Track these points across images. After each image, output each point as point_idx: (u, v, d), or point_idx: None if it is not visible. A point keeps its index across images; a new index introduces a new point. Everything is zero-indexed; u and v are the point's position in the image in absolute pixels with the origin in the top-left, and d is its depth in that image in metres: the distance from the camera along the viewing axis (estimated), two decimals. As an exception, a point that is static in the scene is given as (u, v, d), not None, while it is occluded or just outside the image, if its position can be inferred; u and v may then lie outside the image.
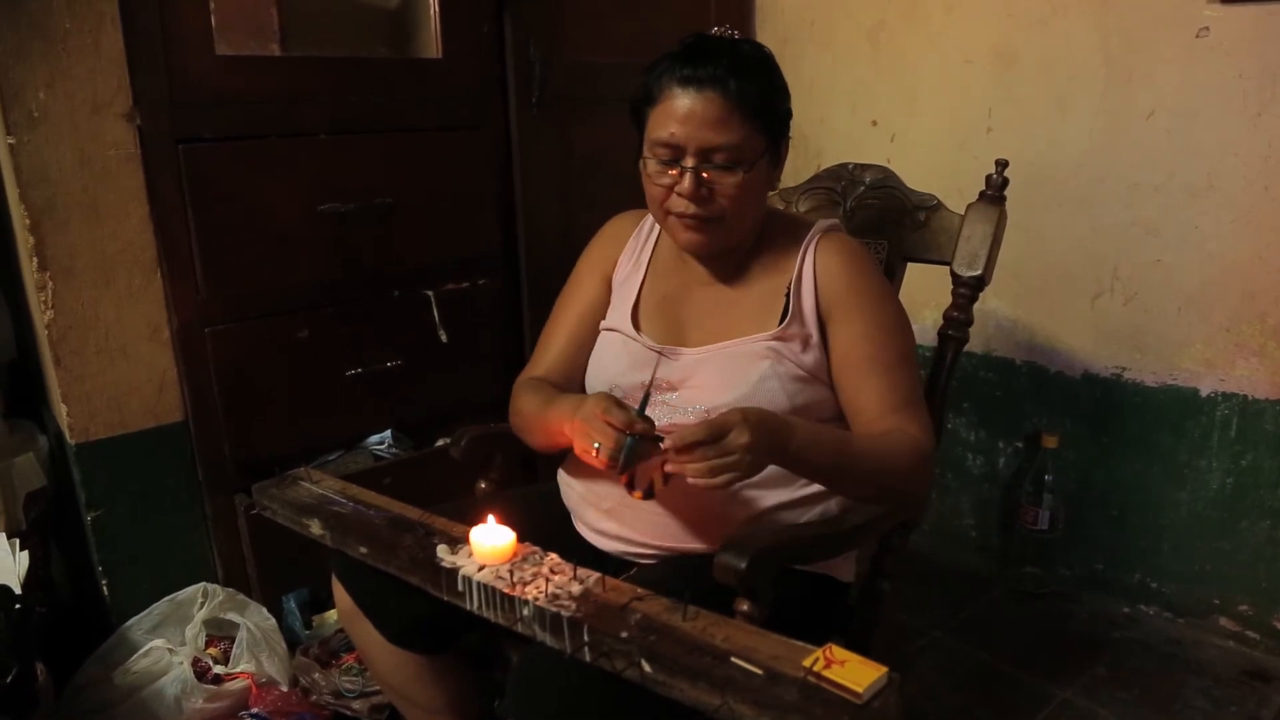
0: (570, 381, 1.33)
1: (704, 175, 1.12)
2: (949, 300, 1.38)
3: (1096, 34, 1.90)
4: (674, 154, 1.13)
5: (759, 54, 1.16)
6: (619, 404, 1.08)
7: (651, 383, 1.13)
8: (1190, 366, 1.90)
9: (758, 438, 0.99)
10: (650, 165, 1.16)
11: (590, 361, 1.31)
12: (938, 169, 1.97)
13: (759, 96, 1.12)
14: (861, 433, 1.17)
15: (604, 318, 1.33)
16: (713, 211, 1.14)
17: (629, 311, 1.28)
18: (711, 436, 0.99)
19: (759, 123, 1.13)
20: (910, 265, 1.46)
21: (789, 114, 1.20)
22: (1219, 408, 1.88)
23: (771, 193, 1.60)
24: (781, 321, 1.19)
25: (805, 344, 1.19)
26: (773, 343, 1.18)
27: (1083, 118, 1.95)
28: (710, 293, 1.26)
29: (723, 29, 1.18)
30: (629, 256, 1.33)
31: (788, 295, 1.20)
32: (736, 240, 1.21)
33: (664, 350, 1.24)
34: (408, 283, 1.90)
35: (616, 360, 1.27)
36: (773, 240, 1.25)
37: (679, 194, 1.14)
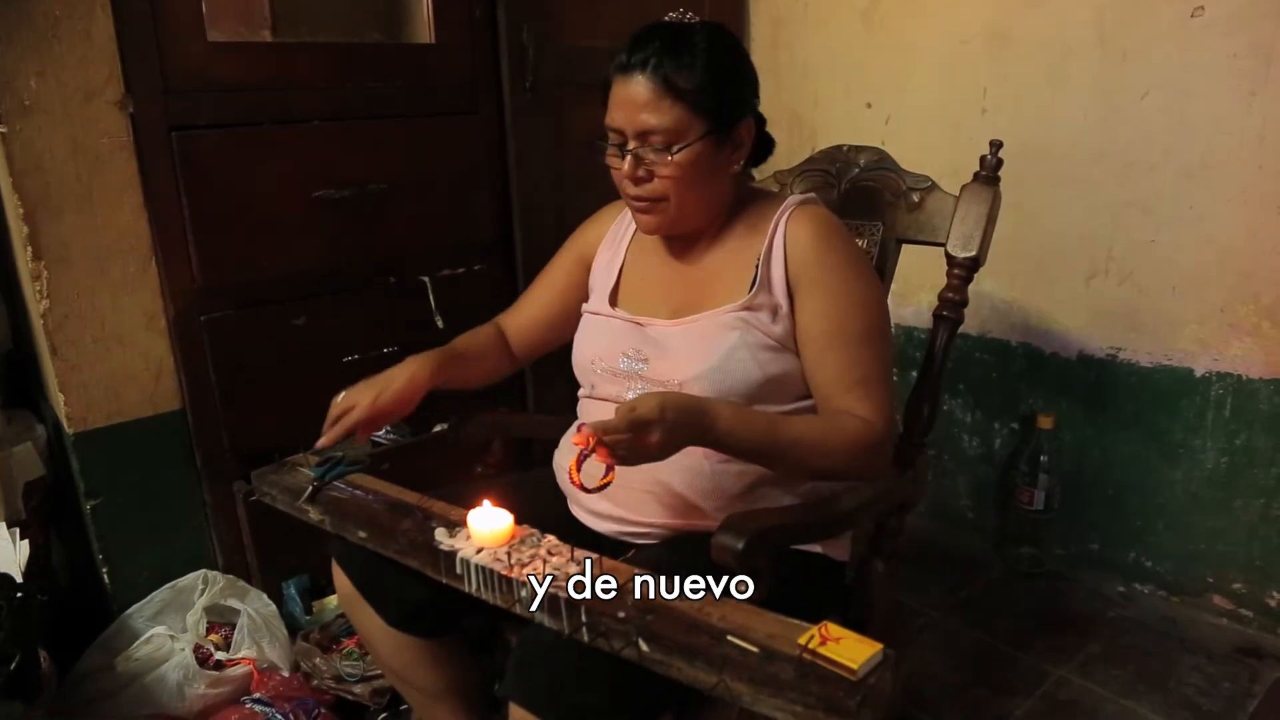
0: (525, 337, 1.44)
1: (644, 158, 1.16)
2: (944, 282, 1.38)
3: (1091, 13, 1.90)
4: (620, 139, 1.17)
5: (703, 36, 1.16)
6: None
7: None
8: (1185, 346, 1.91)
9: (670, 431, 1.01)
10: (607, 149, 1.20)
11: (574, 343, 1.35)
12: (933, 150, 1.97)
13: (693, 79, 1.13)
14: (820, 407, 1.19)
15: (571, 294, 1.40)
16: (652, 192, 1.18)
17: (607, 293, 1.32)
18: (631, 429, 1.00)
19: (693, 104, 1.13)
20: (905, 247, 1.46)
21: (741, 94, 1.20)
22: (1213, 387, 1.88)
23: (764, 177, 1.61)
24: (750, 291, 1.20)
25: (774, 314, 1.19)
26: (742, 313, 1.19)
27: (1077, 98, 1.95)
28: (684, 269, 1.28)
29: (677, 14, 1.19)
30: (609, 243, 1.38)
31: (758, 265, 1.21)
32: (693, 220, 1.23)
33: (639, 322, 1.27)
34: (404, 269, 1.90)
35: (595, 339, 1.30)
36: (747, 215, 1.26)
37: (623, 176, 1.18)
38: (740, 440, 1.08)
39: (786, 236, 1.21)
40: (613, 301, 1.32)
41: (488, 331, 1.43)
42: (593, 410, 1.28)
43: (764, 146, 1.29)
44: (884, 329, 1.21)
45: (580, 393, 1.34)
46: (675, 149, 1.14)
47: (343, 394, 1.28)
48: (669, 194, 1.17)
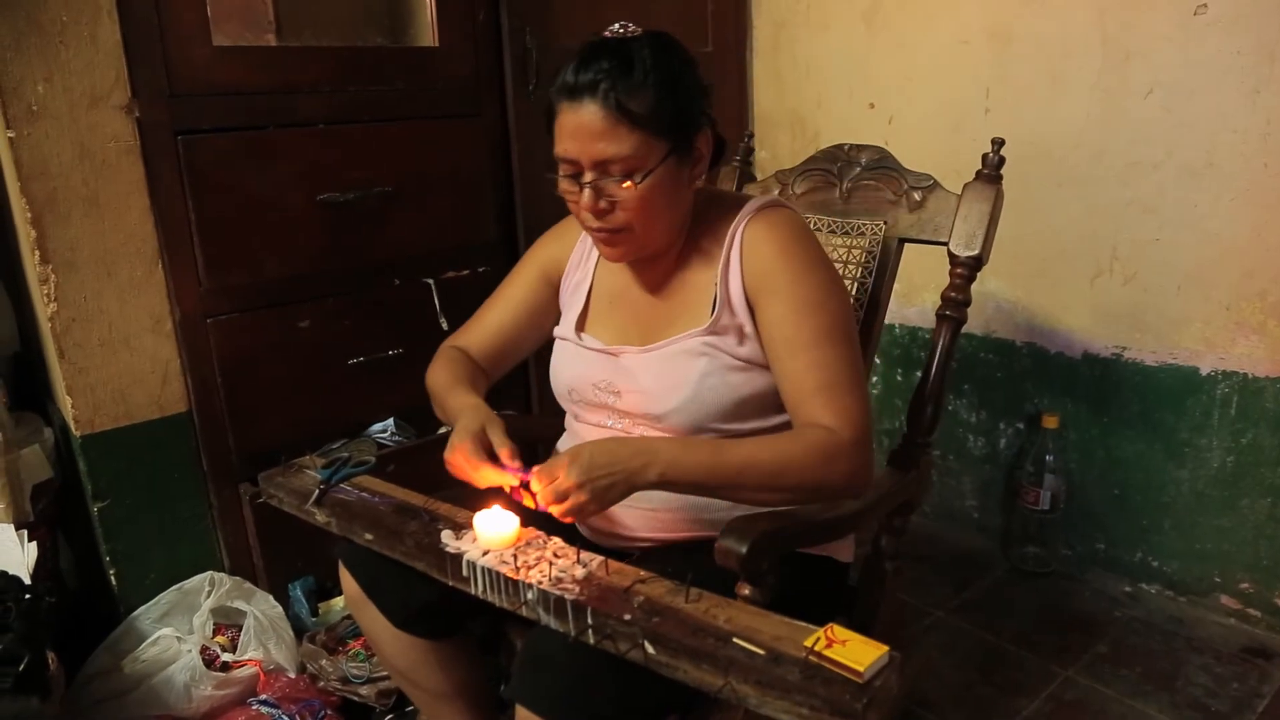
0: (489, 359, 1.36)
1: (604, 188, 1.08)
2: (948, 281, 1.38)
3: (1093, 11, 1.90)
4: (574, 169, 1.10)
5: (652, 51, 1.07)
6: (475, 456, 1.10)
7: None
8: (1190, 345, 1.90)
9: (588, 474, 1.00)
10: (561, 181, 1.13)
11: (550, 370, 1.31)
12: (935, 151, 1.97)
13: (649, 101, 1.05)
14: (791, 419, 1.12)
15: (535, 313, 1.35)
16: (617, 223, 1.11)
17: (575, 318, 1.28)
18: (548, 478, 1.02)
19: (651, 127, 1.06)
20: (910, 247, 1.46)
21: (697, 105, 1.12)
22: (1219, 386, 1.88)
23: (766, 176, 1.61)
24: (712, 314, 1.16)
25: (740, 335, 1.15)
26: (707, 338, 1.15)
27: (1080, 96, 1.95)
28: (650, 291, 1.24)
29: (620, 27, 1.11)
30: (577, 261, 1.32)
31: (716, 285, 1.17)
32: (658, 244, 1.17)
33: (611, 351, 1.23)
34: (408, 271, 1.91)
35: (567, 369, 1.27)
36: (707, 228, 1.20)
37: (582, 209, 1.11)
38: (687, 472, 1.04)
39: (743, 249, 1.16)
40: (580, 326, 1.28)
41: (463, 359, 1.33)
42: (581, 434, 1.27)
43: (717, 150, 1.20)
44: (846, 331, 1.13)
45: (567, 413, 1.33)
46: (638, 177, 1.07)
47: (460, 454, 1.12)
48: (634, 224, 1.11)
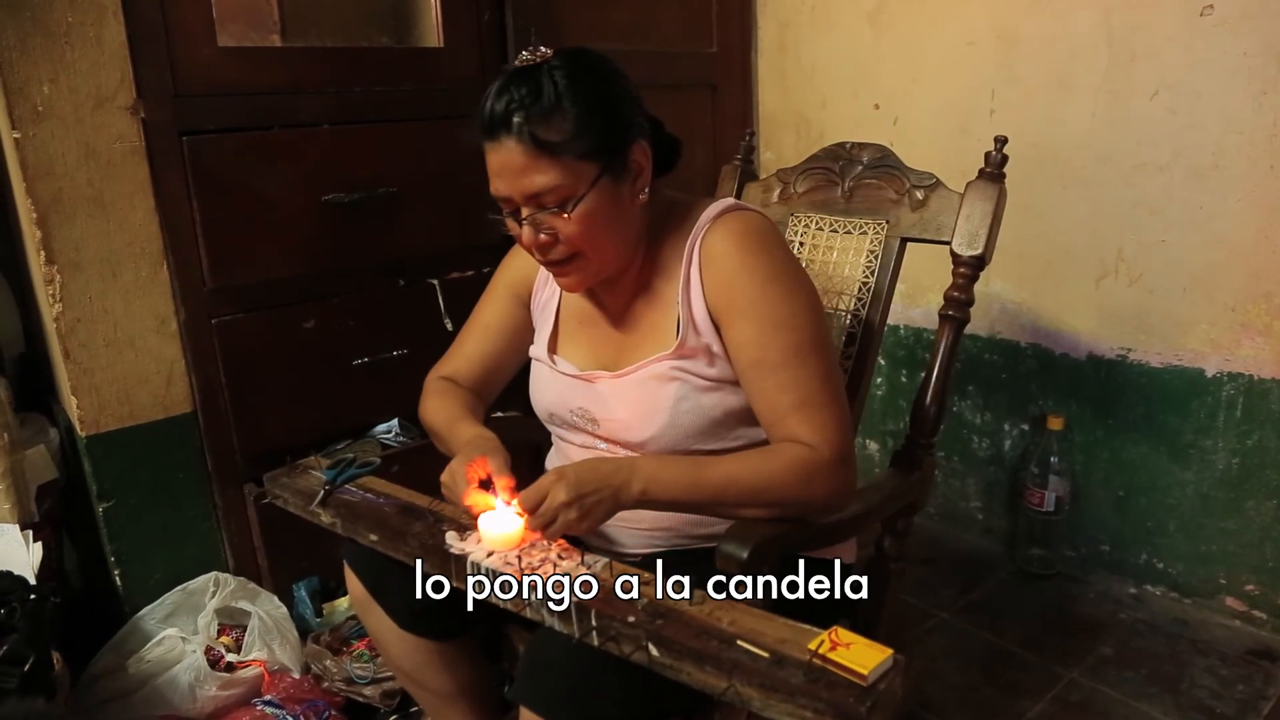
0: (477, 384, 1.34)
1: (542, 221, 1.07)
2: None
3: (1099, 13, 1.89)
4: (510, 206, 1.09)
5: (565, 72, 1.04)
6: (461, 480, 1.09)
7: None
8: (1195, 347, 1.90)
9: (577, 491, 1.01)
10: (506, 220, 1.11)
11: (530, 391, 1.30)
12: (941, 152, 1.97)
13: (565, 126, 1.03)
14: (769, 438, 1.11)
15: (514, 335, 1.34)
16: (562, 254, 1.09)
17: (546, 338, 1.27)
18: (534, 506, 1.02)
19: (573, 153, 1.04)
20: (913, 247, 1.45)
21: (623, 118, 1.08)
22: (1225, 388, 1.87)
23: (766, 176, 1.60)
24: (677, 336, 1.14)
25: (709, 356, 1.13)
26: (676, 362, 1.13)
27: (1086, 98, 1.95)
28: (614, 313, 1.22)
29: (529, 53, 1.06)
30: (544, 279, 1.30)
31: (679, 305, 1.14)
32: (613, 266, 1.15)
33: (585, 377, 1.21)
34: (412, 272, 1.91)
35: (546, 391, 1.26)
36: (668, 240, 1.17)
37: (526, 245, 1.10)
38: (667, 488, 1.04)
39: (701, 265, 1.12)
40: (553, 347, 1.27)
41: (457, 390, 1.32)
42: (569, 454, 1.26)
43: (670, 152, 1.18)
44: (817, 344, 1.09)
45: (552, 433, 1.33)
46: (571, 206, 1.05)
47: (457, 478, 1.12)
48: (580, 251, 1.09)
